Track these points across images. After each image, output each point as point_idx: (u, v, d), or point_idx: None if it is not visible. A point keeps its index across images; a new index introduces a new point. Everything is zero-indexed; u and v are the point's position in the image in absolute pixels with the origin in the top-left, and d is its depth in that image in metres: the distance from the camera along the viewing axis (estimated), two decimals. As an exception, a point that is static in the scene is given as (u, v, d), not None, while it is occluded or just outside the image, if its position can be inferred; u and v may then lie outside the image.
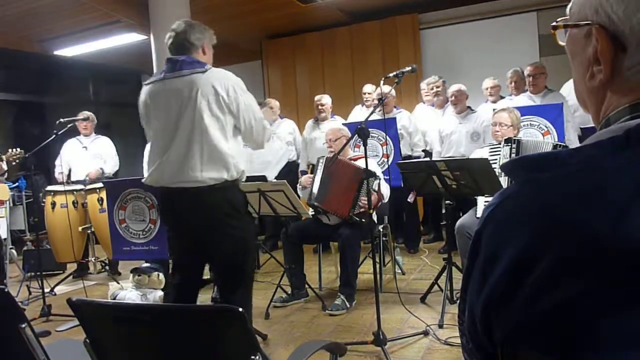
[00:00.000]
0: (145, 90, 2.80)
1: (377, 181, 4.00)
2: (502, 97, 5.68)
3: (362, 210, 3.99)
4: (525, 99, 5.15)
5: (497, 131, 3.96)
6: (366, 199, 3.74)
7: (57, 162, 5.58)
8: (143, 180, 2.85)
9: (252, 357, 1.16)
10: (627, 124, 0.61)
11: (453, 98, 5.38)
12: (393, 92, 5.42)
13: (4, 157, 4.46)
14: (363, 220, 3.97)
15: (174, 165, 2.64)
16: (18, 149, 4.53)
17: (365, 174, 3.92)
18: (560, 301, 0.54)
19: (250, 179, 3.88)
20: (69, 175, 5.68)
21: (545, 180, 0.60)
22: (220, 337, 1.25)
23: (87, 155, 5.67)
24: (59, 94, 8.97)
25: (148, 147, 5.63)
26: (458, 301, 3.83)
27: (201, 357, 1.27)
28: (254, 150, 2.95)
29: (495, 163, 3.61)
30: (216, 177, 2.62)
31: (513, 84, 5.46)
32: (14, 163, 4.51)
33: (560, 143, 4.02)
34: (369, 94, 6.21)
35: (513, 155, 3.75)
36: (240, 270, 2.82)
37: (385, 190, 4.14)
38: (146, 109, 2.79)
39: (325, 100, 6.09)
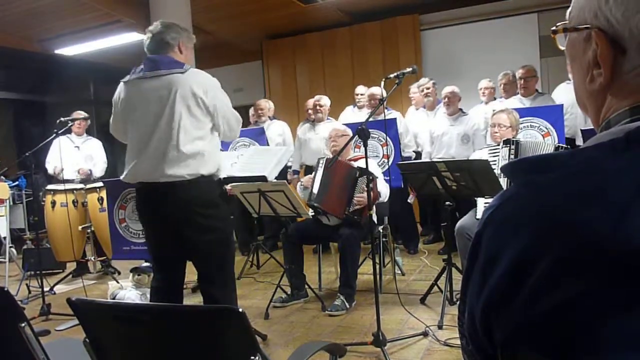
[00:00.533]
0: (122, 88, 2.86)
1: (372, 179, 4.00)
2: (494, 99, 5.69)
3: (357, 207, 3.99)
4: (516, 102, 5.17)
5: (496, 132, 3.95)
6: (363, 197, 3.76)
7: (48, 159, 5.51)
8: (121, 177, 2.89)
9: (252, 357, 1.16)
10: (627, 127, 0.61)
11: (446, 99, 5.39)
12: (384, 93, 5.40)
13: None
14: (358, 218, 3.98)
15: (152, 161, 2.70)
16: None
17: (358, 172, 3.93)
18: (560, 302, 0.54)
19: (250, 179, 3.88)
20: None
21: (545, 182, 0.60)
22: (219, 337, 1.25)
23: (80, 156, 5.60)
24: (59, 93, 8.97)
25: None
26: (458, 302, 3.83)
27: (200, 357, 1.27)
28: (225, 140, 3.05)
29: (495, 164, 3.61)
30: (192, 172, 2.69)
31: (502, 86, 5.47)
32: None
33: (561, 145, 4.02)
34: (361, 95, 6.21)
35: (512, 156, 3.74)
36: (220, 261, 2.86)
37: (384, 189, 4.14)
38: (123, 106, 2.83)
39: (324, 101, 6.07)
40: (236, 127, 2.94)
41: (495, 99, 5.71)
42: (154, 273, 3.02)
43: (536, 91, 5.18)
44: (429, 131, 5.58)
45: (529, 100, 5.12)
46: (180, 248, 2.84)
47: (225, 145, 5.57)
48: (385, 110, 5.74)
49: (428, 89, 5.90)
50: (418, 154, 5.82)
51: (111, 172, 6.11)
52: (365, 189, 3.91)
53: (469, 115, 5.45)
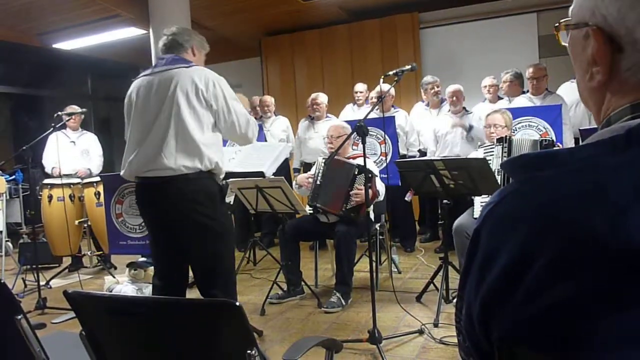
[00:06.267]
0: (132, 86, 2.86)
1: (370, 176, 3.99)
2: (500, 98, 5.67)
3: (354, 204, 3.98)
4: (525, 100, 5.15)
5: (492, 132, 4.03)
6: (361, 194, 3.76)
7: (44, 155, 5.48)
8: (121, 173, 2.85)
9: (248, 351, 1.16)
10: (627, 124, 0.61)
11: (454, 98, 5.39)
12: (392, 91, 5.41)
13: None
14: (355, 215, 3.97)
15: (149, 154, 2.67)
16: None
17: (357, 169, 3.93)
18: (558, 300, 0.54)
19: (247, 175, 3.88)
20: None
21: (545, 179, 0.60)
22: (216, 331, 1.25)
23: (76, 150, 5.58)
24: (57, 87, 8.95)
25: None
26: (455, 299, 3.83)
27: (197, 351, 1.27)
28: (242, 146, 2.93)
29: (490, 163, 3.64)
30: (190, 165, 2.64)
31: (506, 85, 5.44)
32: None
33: (545, 139, 4.03)
34: (360, 92, 6.20)
35: (505, 154, 3.79)
36: (216, 263, 2.78)
37: (380, 187, 4.13)
38: (129, 103, 2.83)
39: (321, 99, 6.06)
40: (243, 124, 2.79)
41: (500, 97, 5.67)
42: (155, 271, 2.96)
43: (546, 89, 5.15)
44: (433, 130, 5.58)
45: (539, 99, 5.09)
46: (179, 246, 2.80)
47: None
48: (392, 109, 5.76)
49: (438, 87, 5.90)
50: (423, 154, 5.80)
51: (109, 168, 6.10)
52: (362, 187, 3.92)
53: (473, 113, 5.45)
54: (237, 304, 1.15)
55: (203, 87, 2.65)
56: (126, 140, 2.91)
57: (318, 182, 4.14)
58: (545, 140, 3.91)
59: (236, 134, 2.83)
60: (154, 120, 2.67)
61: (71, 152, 5.52)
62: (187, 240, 2.76)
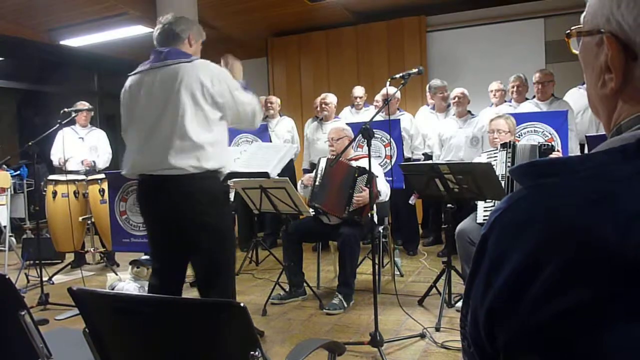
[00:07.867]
0: (129, 80, 2.81)
1: (370, 177, 3.99)
2: (506, 102, 5.66)
3: (356, 207, 3.97)
4: (531, 106, 5.14)
5: (496, 138, 4.01)
6: (362, 196, 3.74)
7: (52, 151, 5.55)
8: (122, 172, 2.81)
9: (252, 352, 1.16)
10: (638, 133, 0.61)
11: (456, 99, 5.38)
12: (398, 93, 5.40)
13: None
14: (358, 217, 3.96)
15: (155, 153, 2.63)
16: None
17: (357, 172, 3.92)
18: (565, 308, 0.53)
19: (252, 175, 3.88)
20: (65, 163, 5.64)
21: (554, 186, 0.59)
22: (220, 331, 1.25)
23: (84, 146, 5.63)
24: (63, 83, 8.97)
25: None
26: (457, 304, 3.82)
27: (200, 351, 1.27)
28: (246, 129, 2.92)
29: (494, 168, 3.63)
30: (196, 165, 2.60)
31: (515, 89, 5.41)
32: None
33: (544, 144, 4.01)
34: (360, 97, 6.17)
35: (509, 159, 3.78)
36: (217, 264, 2.75)
37: (385, 188, 4.12)
38: (129, 98, 2.78)
39: (330, 99, 6.05)
40: (249, 112, 2.79)
41: (505, 101, 5.66)
42: (153, 271, 2.94)
43: (552, 95, 5.14)
44: (438, 134, 5.57)
45: (545, 104, 5.07)
46: (181, 249, 2.77)
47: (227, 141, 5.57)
48: (397, 111, 5.76)
49: (447, 91, 5.89)
50: (428, 157, 5.79)
51: (115, 164, 6.12)
52: (365, 188, 3.92)
53: (477, 117, 5.44)
54: (242, 304, 1.15)
55: (209, 85, 2.60)
56: (123, 136, 2.89)
57: (317, 183, 4.14)
58: (545, 145, 3.89)
59: (241, 123, 2.86)
60: (159, 118, 2.63)
61: (79, 148, 5.57)
62: (189, 240, 2.73)
